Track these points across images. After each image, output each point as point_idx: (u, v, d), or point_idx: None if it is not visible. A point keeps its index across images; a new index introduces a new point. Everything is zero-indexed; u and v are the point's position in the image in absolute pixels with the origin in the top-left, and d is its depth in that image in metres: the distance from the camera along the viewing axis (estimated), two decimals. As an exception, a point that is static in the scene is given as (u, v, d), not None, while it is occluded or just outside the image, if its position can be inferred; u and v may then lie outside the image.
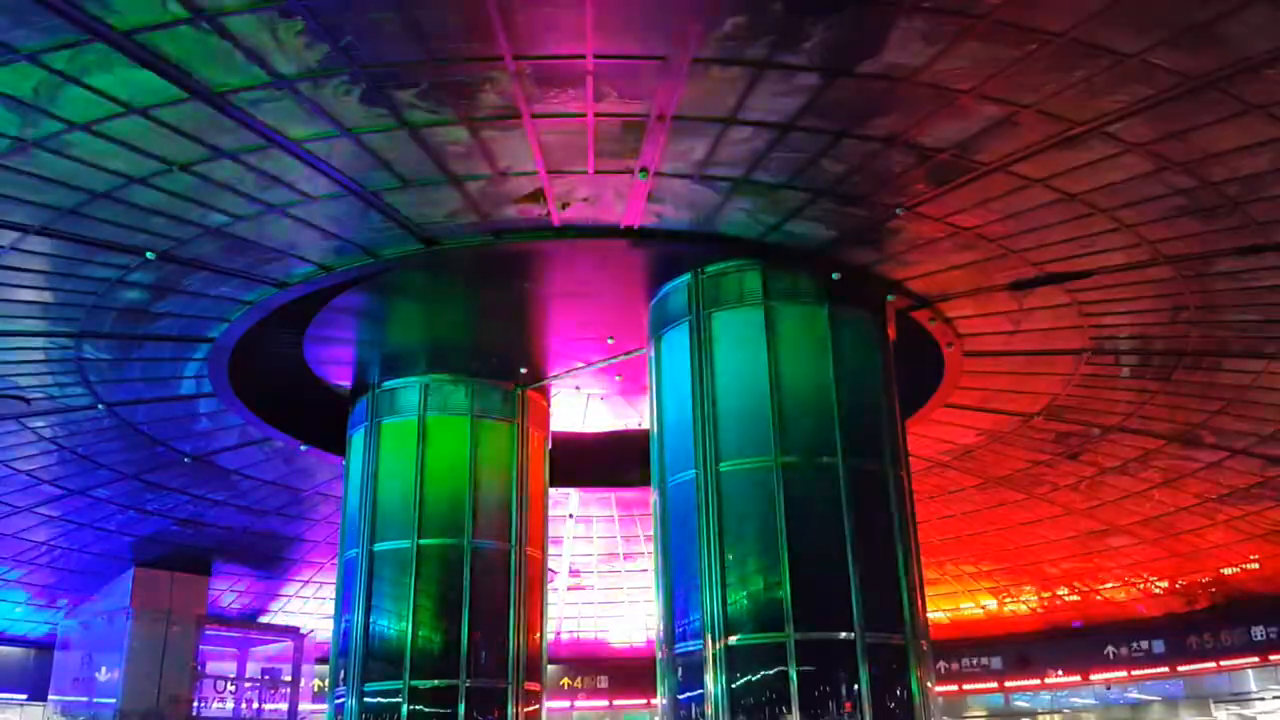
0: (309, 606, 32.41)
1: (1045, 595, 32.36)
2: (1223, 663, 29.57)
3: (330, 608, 21.14)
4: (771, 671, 14.24)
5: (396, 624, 19.11)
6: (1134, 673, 31.39)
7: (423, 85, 11.00)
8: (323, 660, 31.64)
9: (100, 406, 19.23)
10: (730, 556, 14.99)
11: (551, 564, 23.65)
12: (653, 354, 17.45)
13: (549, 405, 22.33)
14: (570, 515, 29.04)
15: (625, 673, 36.02)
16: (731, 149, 12.53)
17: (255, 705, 31.47)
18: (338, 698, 19.38)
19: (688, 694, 14.99)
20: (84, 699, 28.11)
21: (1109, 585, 30.47)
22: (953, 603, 33.58)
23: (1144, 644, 31.14)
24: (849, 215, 14.13)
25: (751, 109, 11.61)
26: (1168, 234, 13.94)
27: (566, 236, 14.81)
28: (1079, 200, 13.28)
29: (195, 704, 28.50)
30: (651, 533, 16.77)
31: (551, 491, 22.44)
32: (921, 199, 13.52)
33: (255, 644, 32.34)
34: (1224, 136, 11.63)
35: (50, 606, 29.61)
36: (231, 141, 11.82)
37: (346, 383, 21.37)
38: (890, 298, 16.41)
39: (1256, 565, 27.14)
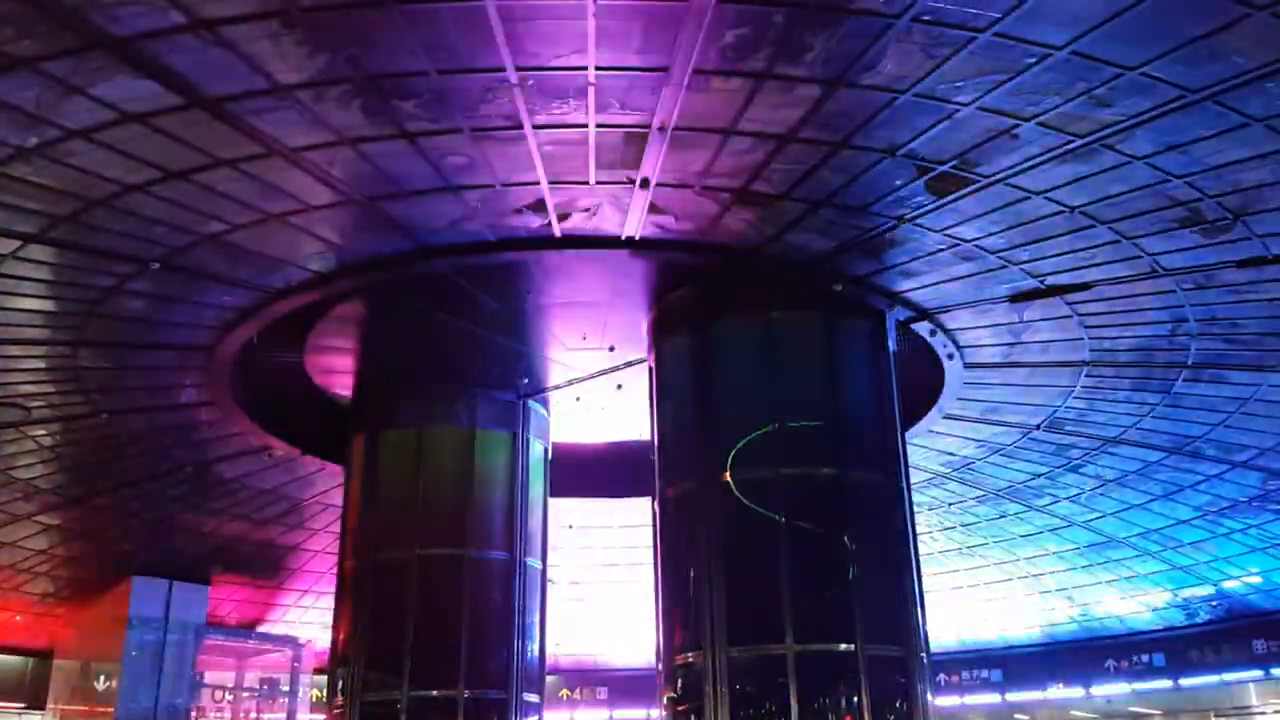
0: (308, 616, 32.26)
1: (1046, 608, 32.23)
2: (1223, 676, 29.45)
3: (329, 617, 21.08)
4: (771, 683, 14.19)
5: (395, 634, 19.02)
6: (1135, 686, 31.25)
7: (424, 96, 11.01)
8: (321, 670, 31.54)
9: (100, 415, 19.20)
10: (730, 567, 14.94)
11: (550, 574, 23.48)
12: (653, 364, 17.43)
13: (549, 415, 22.29)
14: (570, 526, 28.92)
15: (624, 684, 35.85)
16: (732, 160, 12.53)
17: (253, 715, 31.37)
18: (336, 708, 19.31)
19: (687, 705, 14.94)
20: (83, 708, 28.01)
21: (1109, 598, 30.36)
22: (953, 615, 33.45)
23: (1144, 657, 31.00)
24: (849, 226, 14.12)
25: (751, 120, 11.61)
26: (1168, 246, 13.93)
27: (567, 247, 14.81)
28: (1079, 213, 13.28)
29: (193, 713, 28.40)
30: (652, 543, 16.72)
31: (551, 501, 22.37)
32: (922, 211, 13.51)
33: (253, 653, 32.23)
34: (1224, 149, 11.63)
35: (49, 615, 29.50)
36: (231, 150, 11.81)
37: (346, 392, 21.33)
38: (891, 309, 16.39)
39: (1258, 579, 27.06)
